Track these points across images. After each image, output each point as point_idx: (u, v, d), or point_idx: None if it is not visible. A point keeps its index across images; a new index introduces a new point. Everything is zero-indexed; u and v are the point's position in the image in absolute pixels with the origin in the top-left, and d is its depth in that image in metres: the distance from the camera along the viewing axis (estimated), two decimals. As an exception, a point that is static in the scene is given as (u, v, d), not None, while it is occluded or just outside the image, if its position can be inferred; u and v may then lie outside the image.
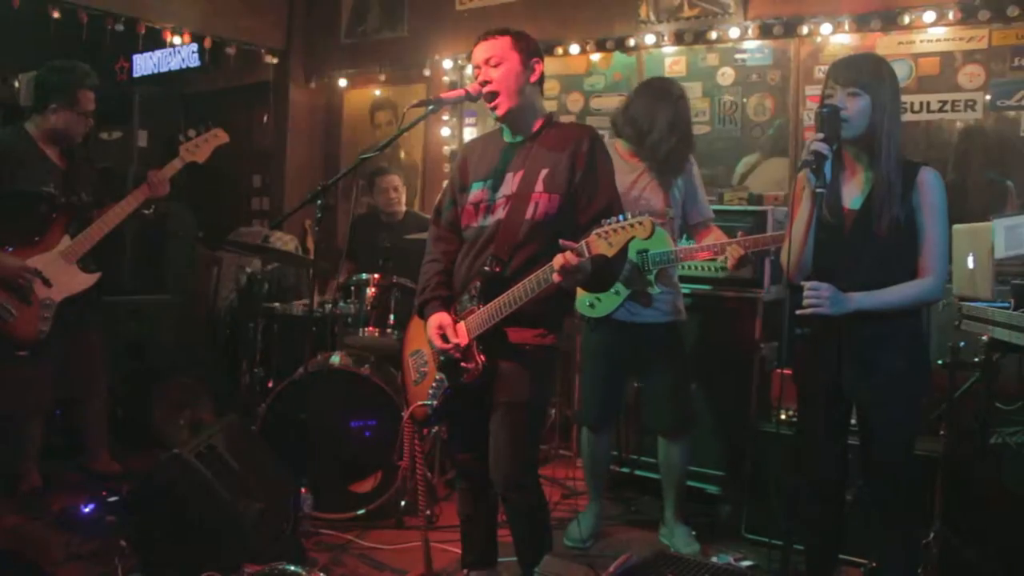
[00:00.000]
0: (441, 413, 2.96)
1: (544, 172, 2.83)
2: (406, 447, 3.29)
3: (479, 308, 2.82)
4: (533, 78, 2.90)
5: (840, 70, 2.73)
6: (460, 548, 3.27)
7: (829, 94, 2.73)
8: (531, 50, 2.91)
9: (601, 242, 2.52)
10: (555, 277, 2.59)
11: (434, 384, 2.95)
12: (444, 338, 2.84)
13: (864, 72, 2.70)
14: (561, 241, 2.58)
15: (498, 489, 2.92)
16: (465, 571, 3.21)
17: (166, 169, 4.14)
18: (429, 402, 2.95)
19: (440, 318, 2.88)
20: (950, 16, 4.20)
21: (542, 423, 3.13)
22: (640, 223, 2.49)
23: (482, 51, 2.89)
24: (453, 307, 2.92)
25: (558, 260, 2.57)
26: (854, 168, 2.78)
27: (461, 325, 2.85)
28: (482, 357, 2.82)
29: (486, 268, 2.82)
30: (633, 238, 2.51)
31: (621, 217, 2.52)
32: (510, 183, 2.88)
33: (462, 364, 2.85)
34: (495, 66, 2.86)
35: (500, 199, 2.88)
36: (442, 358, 2.92)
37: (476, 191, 2.95)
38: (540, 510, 2.98)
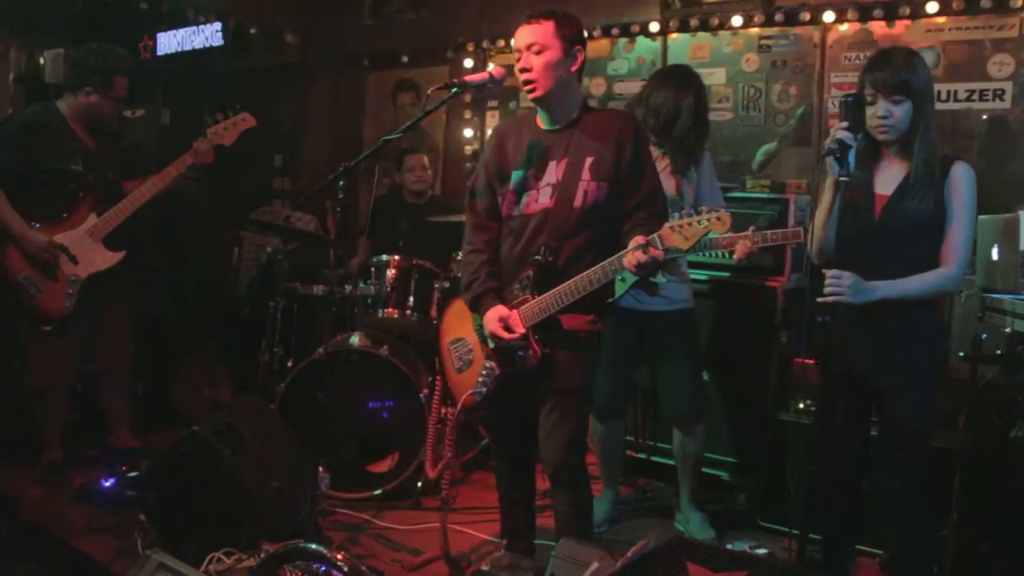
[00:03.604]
0: (491, 400, 2.98)
1: (590, 160, 2.82)
2: (448, 436, 3.33)
3: (533, 297, 2.82)
4: (574, 67, 2.87)
5: (878, 77, 2.71)
6: (478, 530, 3.42)
7: (871, 101, 2.72)
8: (575, 37, 2.86)
9: (676, 236, 2.57)
10: (632, 269, 2.63)
11: (484, 372, 2.98)
12: (507, 330, 2.84)
13: (902, 76, 2.68)
14: (635, 239, 2.62)
15: (547, 469, 2.95)
16: (505, 542, 3.26)
17: (206, 140, 4.15)
18: (479, 390, 2.97)
19: (499, 310, 2.87)
20: (981, 4, 4.14)
21: (590, 406, 3.20)
22: (719, 218, 2.54)
23: (525, 35, 2.84)
24: (504, 296, 2.92)
25: (636, 256, 2.59)
26: (891, 158, 2.80)
27: (515, 314, 2.85)
28: (539, 346, 2.83)
29: (538, 257, 2.82)
30: (709, 232, 2.55)
31: (692, 211, 2.56)
32: (554, 171, 2.87)
33: (519, 353, 2.85)
34: (537, 53, 2.81)
35: (545, 188, 2.88)
36: (492, 346, 2.93)
37: (516, 179, 2.93)
38: (586, 490, 3.01)
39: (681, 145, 3.61)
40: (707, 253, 4.11)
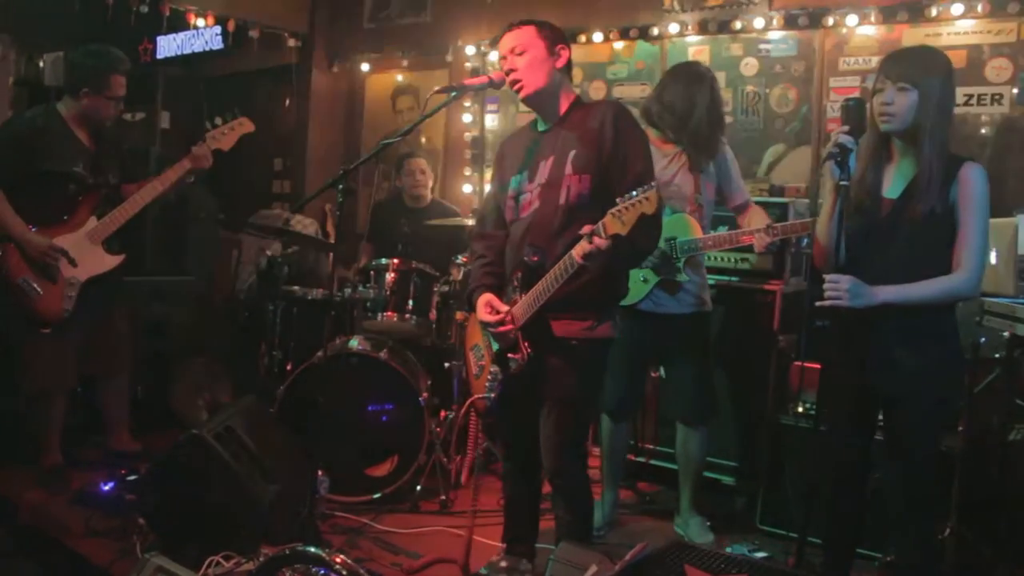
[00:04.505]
0: (499, 404, 3.00)
1: (572, 154, 2.84)
2: (470, 439, 3.32)
3: (520, 298, 2.84)
4: (559, 64, 2.92)
5: (891, 65, 2.69)
6: (477, 533, 3.34)
7: (880, 88, 2.69)
8: (556, 37, 2.93)
9: (615, 222, 2.52)
10: (579, 260, 2.61)
11: (490, 377, 3.00)
12: (495, 313, 2.87)
13: (914, 66, 2.65)
14: (581, 231, 2.60)
15: (546, 475, 2.98)
16: (504, 545, 3.27)
17: (205, 145, 4.16)
18: (488, 395, 2.99)
19: (487, 297, 2.92)
20: (979, 8, 4.14)
21: (590, 415, 3.19)
22: (646, 198, 2.49)
23: (508, 41, 2.92)
24: (501, 296, 2.95)
25: (582, 247, 2.59)
26: (898, 159, 2.75)
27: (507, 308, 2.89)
28: (527, 348, 2.83)
29: (524, 258, 2.84)
30: (642, 214, 2.50)
31: (633, 193, 2.51)
32: (543, 172, 2.90)
33: (509, 355, 2.87)
34: (520, 55, 2.88)
35: (535, 188, 2.90)
36: (495, 349, 2.95)
37: (513, 186, 2.98)
38: (584, 497, 3.01)
39: (696, 139, 3.62)
40: (712, 256, 4.13)
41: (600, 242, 2.54)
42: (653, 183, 2.54)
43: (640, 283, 3.63)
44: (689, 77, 3.68)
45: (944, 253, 2.65)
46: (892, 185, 2.74)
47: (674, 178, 3.62)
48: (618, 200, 2.53)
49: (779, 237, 3.53)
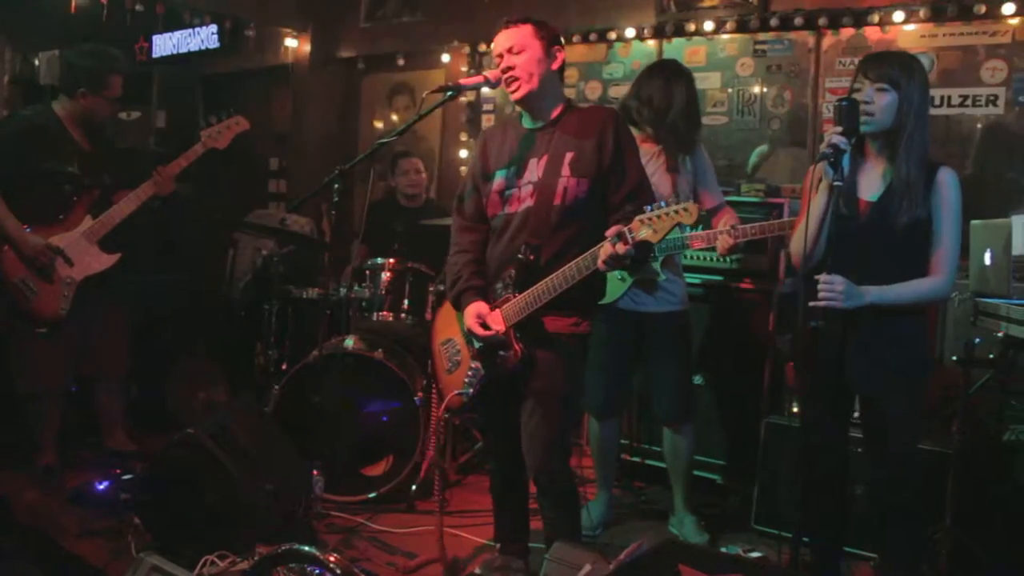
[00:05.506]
0: (477, 401, 2.99)
1: (570, 156, 2.84)
2: (432, 436, 3.32)
3: (514, 296, 2.83)
4: (555, 66, 2.92)
5: (871, 65, 2.73)
6: (473, 533, 3.40)
7: (858, 88, 2.73)
8: (552, 38, 2.92)
9: (645, 229, 2.55)
10: (601, 266, 2.62)
11: (470, 372, 2.98)
12: (484, 327, 2.84)
13: (894, 68, 2.69)
14: (607, 232, 2.60)
15: (530, 473, 2.96)
16: (498, 546, 3.26)
17: (180, 159, 4.16)
18: (465, 391, 2.98)
19: (478, 307, 2.88)
20: (974, 10, 4.16)
21: (574, 411, 3.18)
22: (686, 209, 2.54)
23: (504, 39, 2.90)
24: (488, 296, 2.93)
25: (606, 250, 2.59)
26: (875, 161, 2.79)
27: (497, 313, 2.87)
28: (519, 345, 2.83)
29: (520, 256, 2.83)
30: (678, 224, 2.54)
31: (663, 203, 2.55)
32: (534, 169, 2.89)
33: (500, 353, 2.86)
34: (517, 53, 2.86)
35: (526, 186, 2.89)
36: (478, 346, 2.94)
37: (499, 179, 2.96)
38: (570, 495, 3.00)
39: (675, 133, 3.63)
40: (701, 255, 4.13)
41: (623, 248, 2.56)
42: (664, 202, 2.57)
43: (617, 282, 3.63)
44: (667, 73, 3.69)
45: (921, 257, 2.71)
46: (869, 188, 2.77)
47: (652, 177, 3.60)
48: (646, 208, 2.56)
49: (740, 240, 3.54)
